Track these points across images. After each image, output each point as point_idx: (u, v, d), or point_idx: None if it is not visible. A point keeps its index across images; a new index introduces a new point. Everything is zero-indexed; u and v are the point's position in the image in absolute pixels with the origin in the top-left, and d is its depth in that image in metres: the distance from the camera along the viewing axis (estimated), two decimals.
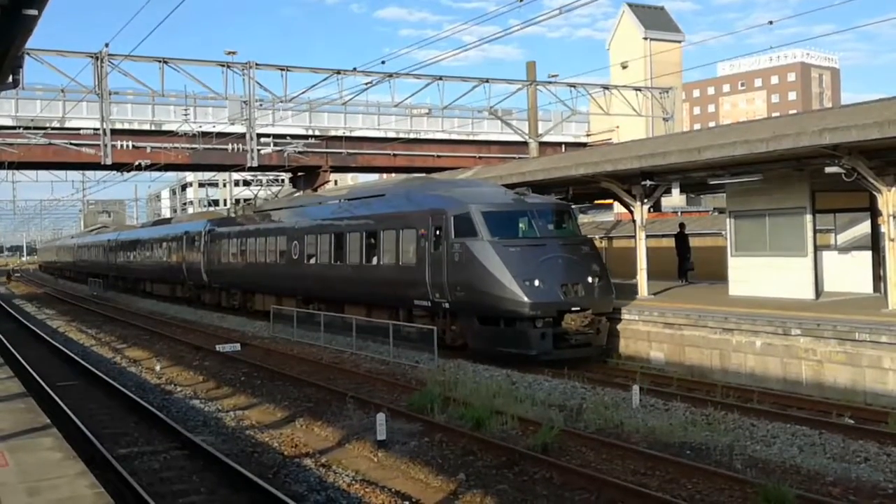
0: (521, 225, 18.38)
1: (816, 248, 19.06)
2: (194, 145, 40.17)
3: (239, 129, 33.89)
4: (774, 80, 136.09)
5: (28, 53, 24.32)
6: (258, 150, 32.99)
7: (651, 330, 18.14)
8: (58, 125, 37.40)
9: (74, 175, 56.57)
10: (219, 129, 37.53)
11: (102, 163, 30.28)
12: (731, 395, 13.84)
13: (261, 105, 33.44)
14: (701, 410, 12.49)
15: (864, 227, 20.50)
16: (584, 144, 46.92)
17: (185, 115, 39.50)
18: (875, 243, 19.04)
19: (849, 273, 19.55)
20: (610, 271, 19.09)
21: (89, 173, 54.85)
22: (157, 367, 18.97)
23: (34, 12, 7.33)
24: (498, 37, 67.13)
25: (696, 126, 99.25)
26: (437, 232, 18.66)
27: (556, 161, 24.94)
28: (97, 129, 30.57)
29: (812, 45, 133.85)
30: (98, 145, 30.30)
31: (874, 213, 18.48)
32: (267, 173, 48.36)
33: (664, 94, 40.51)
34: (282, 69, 31.17)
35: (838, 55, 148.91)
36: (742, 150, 16.84)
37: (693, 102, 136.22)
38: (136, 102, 41.02)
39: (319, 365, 18.64)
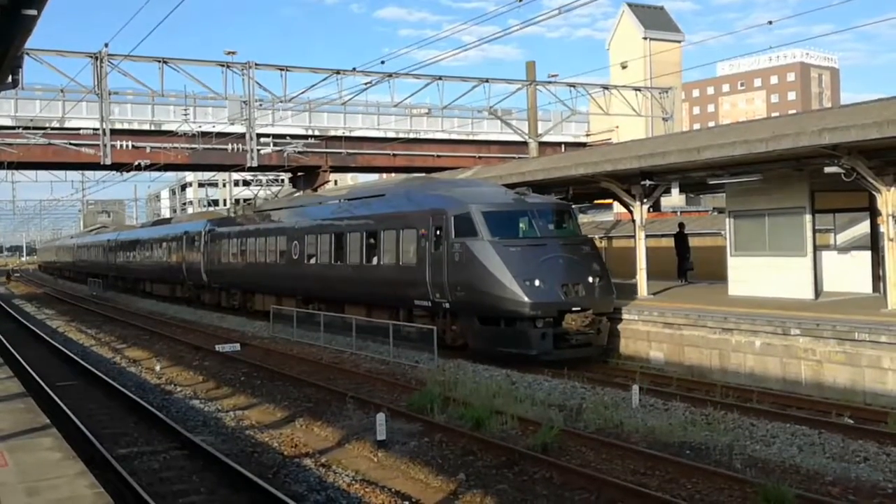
0: (521, 225, 18.36)
1: (816, 248, 19.06)
2: (194, 145, 40.16)
3: (239, 129, 33.89)
4: (774, 80, 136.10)
5: (27, 53, 24.33)
6: (258, 150, 33.00)
7: (650, 330, 18.14)
8: (57, 125, 37.38)
9: (74, 175, 56.59)
10: (218, 129, 37.52)
11: (102, 163, 30.30)
12: (730, 395, 13.84)
13: (260, 105, 33.43)
14: (700, 410, 12.49)
15: (864, 227, 20.51)
16: (583, 144, 46.92)
17: (185, 115, 39.49)
18: (874, 243, 19.05)
19: (848, 273, 19.56)
20: (610, 271, 19.09)
21: (89, 173, 54.83)
22: (157, 367, 18.97)
23: (33, 12, 7.33)
24: (497, 37, 67.15)
25: (696, 126, 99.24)
26: (438, 232, 18.65)
27: (556, 161, 24.95)
28: (97, 129, 30.56)
29: (811, 45, 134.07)
30: (97, 145, 30.30)
31: (873, 213, 18.50)
32: (267, 173, 48.39)
33: (664, 94, 40.52)
34: (281, 69, 31.17)
35: (838, 55, 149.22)
36: (741, 150, 16.85)
37: (693, 102, 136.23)
38: (135, 102, 41.01)
39: (319, 365, 18.63)
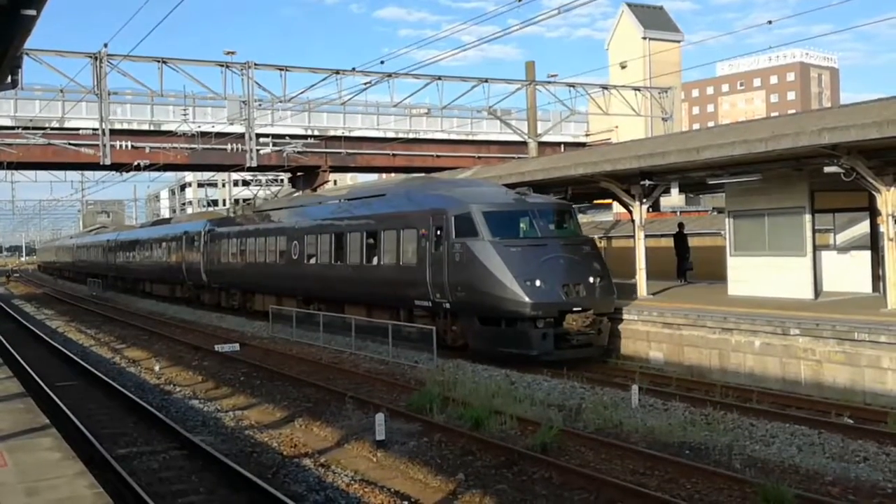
0: (522, 225, 18.33)
1: (815, 248, 19.06)
2: (193, 145, 40.16)
3: (238, 129, 33.90)
4: (773, 79, 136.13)
5: (27, 54, 24.34)
6: (257, 150, 33.00)
7: (650, 330, 18.14)
8: (57, 125, 37.38)
9: (73, 175, 56.58)
10: (218, 129, 37.53)
11: (101, 163, 30.30)
12: (730, 395, 13.84)
13: (260, 105, 33.43)
14: (700, 410, 12.49)
15: (863, 227, 20.50)
16: (583, 144, 46.93)
17: (184, 115, 39.50)
18: (874, 243, 19.06)
19: (848, 273, 19.56)
20: (609, 271, 19.08)
21: (88, 173, 54.81)
22: (157, 368, 18.96)
23: (33, 12, 7.32)
24: (497, 37, 67.12)
25: (696, 126, 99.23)
26: (438, 232, 18.62)
27: (556, 161, 24.95)
28: (96, 130, 30.56)
29: (811, 45, 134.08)
30: (97, 145, 30.29)
31: (873, 213, 18.51)
32: (266, 173, 48.38)
33: (663, 94, 40.53)
34: (281, 69, 31.17)
35: (837, 55, 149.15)
36: (741, 150, 16.85)
37: (692, 102, 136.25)
38: (135, 102, 41.02)
39: (318, 365, 18.63)
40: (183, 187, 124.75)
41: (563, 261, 17.62)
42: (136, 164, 39.02)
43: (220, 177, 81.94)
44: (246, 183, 60.64)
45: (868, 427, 11.66)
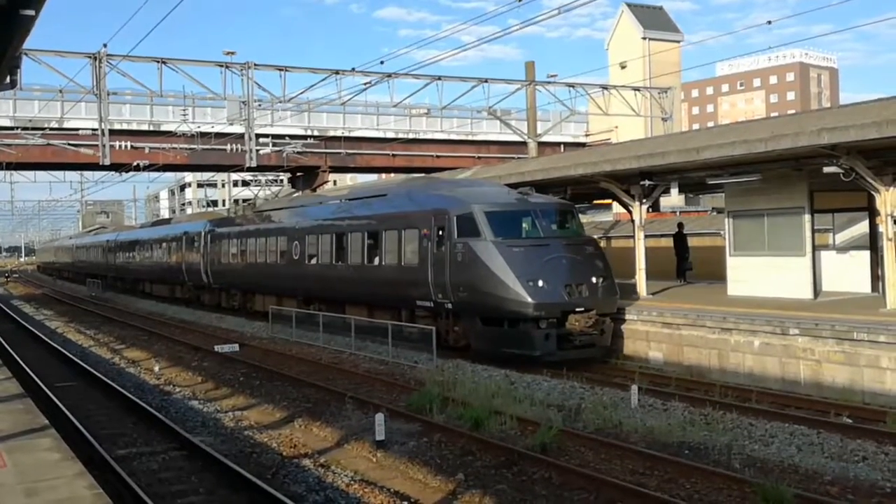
0: (524, 225, 18.29)
1: (815, 248, 19.07)
2: (193, 146, 40.15)
3: (238, 129, 33.90)
4: (773, 79, 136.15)
5: (26, 54, 24.34)
6: (257, 151, 33.00)
7: (650, 330, 18.14)
8: (56, 126, 37.38)
9: (73, 176, 56.60)
10: (217, 129, 37.52)
11: (101, 163, 30.31)
12: (729, 395, 13.84)
13: (259, 105, 33.44)
14: (699, 410, 12.49)
15: (863, 227, 20.51)
16: (582, 144, 46.93)
17: (184, 115, 39.50)
18: (873, 243, 19.06)
19: (847, 273, 19.57)
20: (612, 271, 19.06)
21: (87, 174, 54.84)
22: (156, 368, 18.96)
23: (31, 13, 7.32)
24: (497, 37, 66.98)
25: (695, 126, 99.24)
26: (440, 232, 18.59)
27: (555, 161, 24.95)
28: (95, 130, 30.55)
29: (811, 45, 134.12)
30: (96, 146, 30.29)
31: (872, 213, 18.51)
32: (266, 173, 48.34)
33: (663, 94, 40.54)
34: (280, 69, 31.18)
35: (837, 55, 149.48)
36: (741, 150, 16.85)
37: (692, 102, 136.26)
38: (134, 103, 41.02)
39: (318, 365, 18.63)
40: (182, 188, 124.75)
41: (565, 261, 17.58)
42: (135, 164, 39.02)
43: (219, 177, 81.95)
44: (246, 183, 60.67)
45: (867, 427, 11.68)
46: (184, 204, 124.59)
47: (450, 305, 18.33)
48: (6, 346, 22.15)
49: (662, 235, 28.96)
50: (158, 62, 29.03)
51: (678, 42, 47.55)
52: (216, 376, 17.84)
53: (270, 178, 53.53)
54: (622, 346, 18.68)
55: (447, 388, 14.29)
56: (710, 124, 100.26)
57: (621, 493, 8.94)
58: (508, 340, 17.32)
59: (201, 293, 35.61)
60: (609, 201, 33.48)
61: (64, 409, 13.40)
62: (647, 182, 20.24)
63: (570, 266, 17.55)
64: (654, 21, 48.22)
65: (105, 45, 27.49)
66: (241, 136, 33.14)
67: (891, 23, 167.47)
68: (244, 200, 54.89)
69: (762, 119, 27.89)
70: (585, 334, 17.11)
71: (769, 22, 25.03)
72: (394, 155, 45.60)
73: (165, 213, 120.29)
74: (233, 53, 30.96)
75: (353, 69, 30.99)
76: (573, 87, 37.16)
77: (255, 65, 30.56)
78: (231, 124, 33.25)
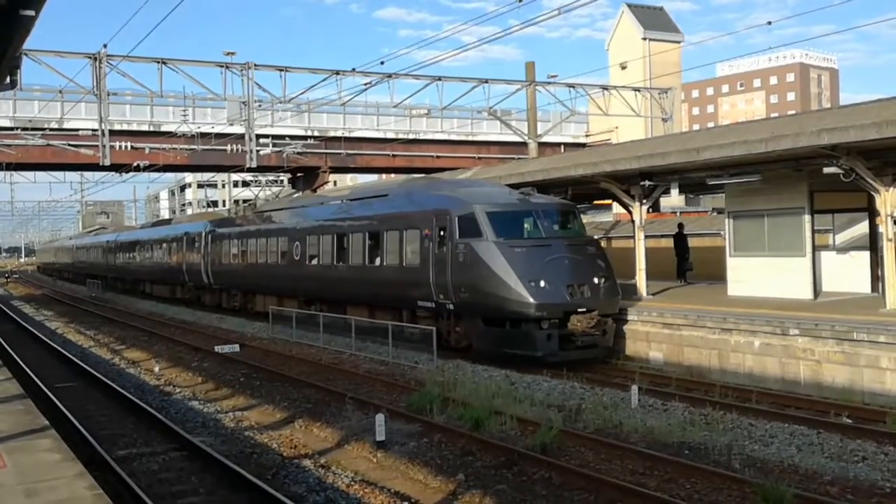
0: (526, 225, 18.28)
1: (815, 249, 19.07)
2: (193, 146, 40.15)
3: (238, 129, 33.90)
4: (773, 80, 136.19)
5: (26, 54, 24.34)
6: (257, 151, 32.99)
7: (650, 330, 18.14)
8: (56, 126, 37.38)
9: (73, 176, 56.58)
10: (217, 129, 37.52)
11: (101, 164, 30.31)
12: (729, 395, 13.84)
13: (260, 106, 33.45)
14: (699, 410, 12.49)
15: (863, 228, 20.52)
16: (583, 145, 46.92)
17: (184, 115, 39.49)
18: (873, 243, 19.07)
19: (847, 273, 19.57)
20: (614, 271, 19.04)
21: (88, 174, 54.82)
22: (156, 369, 18.96)
23: (31, 13, 7.32)
24: (497, 37, 66.66)
25: (695, 126, 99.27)
26: (442, 232, 18.57)
27: (556, 161, 24.95)
28: (95, 130, 30.54)
29: (811, 46, 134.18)
30: (96, 146, 30.28)
31: (872, 214, 18.51)
32: (266, 174, 48.32)
33: (663, 95, 40.54)
34: (281, 70, 31.18)
35: (837, 55, 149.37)
36: (741, 151, 16.85)
37: (692, 103, 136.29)
38: (134, 103, 41.03)
39: (318, 366, 18.63)
40: (183, 188, 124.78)
41: (567, 261, 17.57)
42: (135, 164, 39.03)
43: (219, 177, 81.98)
44: (246, 184, 60.71)
45: (867, 427, 11.68)
46: (184, 204, 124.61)
47: (451, 306, 18.32)
48: (6, 346, 22.16)
49: (663, 236, 28.97)
50: (158, 62, 29.04)
51: (678, 42, 47.54)
52: (216, 377, 17.84)
53: (271, 178, 53.56)
54: (623, 346, 18.69)
55: (447, 389, 14.29)
56: (711, 125, 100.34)
57: (621, 494, 8.94)
58: (510, 341, 17.30)
59: (202, 294, 35.61)
60: (609, 202, 33.49)
61: (64, 409, 13.40)
62: (647, 182, 20.24)
63: (573, 266, 17.53)
64: (655, 21, 48.21)
65: (105, 46, 27.51)
66: (242, 136, 33.13)
67: (891, 23, 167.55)
68: (244, 201, 54.85)
69: (762, 119, 27.90)
70: (587, 335, 17.09)
71: (769, 22, 25.07)
72: (394, 155, 45.60)
73: (166, 214, 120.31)
74: (233, 54, 30.97)
75: (354, 69, 31.01)
76: (573, 87, 37.16)
77: (256, 65, 30.56)
78: (231, 125, 33.26)
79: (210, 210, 77.75)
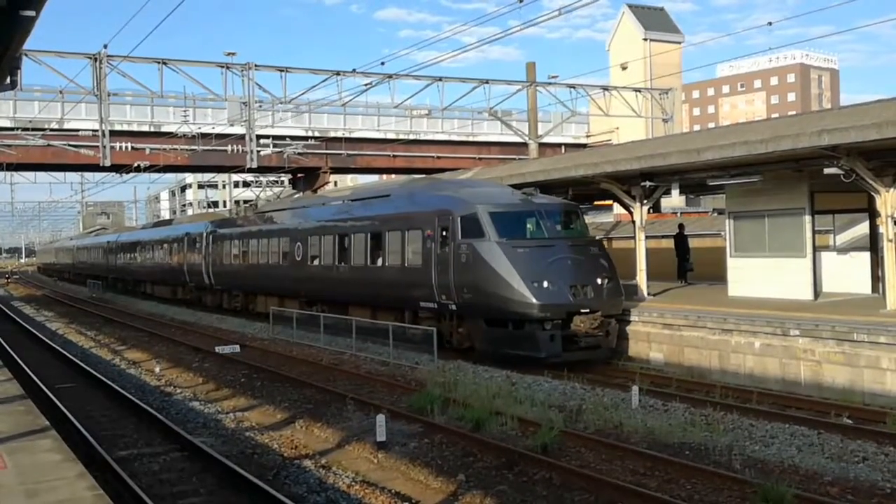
0: (528, 225, 18.26)
1: (815, 249, 19.07)
2: (193, 146, 40.15)
3: (238, 130, 33.90)
4: (774, 81, 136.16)
5: (26, 54, 24.35)
6: (258, 152, 33.01)
7: (650, 331, 18.14)
8: (56, 126, 37.38)
9: (73, 177, 56.61)
10: (218, 130, 37.52)
11: (101, 164, 30.32)
12: (730, 396, 13.84)
13: (260, 106, 33.45)
14: (700, 411, 12.49)
15: (863, 228, 20.53)
16: (583, 145, 46.91)
17: (185, 116, 39.52)
18: (873, 244, 19.07)
19: (847, 274, 19.57)
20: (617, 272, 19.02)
21: (88, 175, 54.85)
22: (157, 369, 18.96)
23: (32, 13, 7.32)
24: (498, 38, 66.55)
25: (696, 127, 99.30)
26: (444, 233, 18.54)
27: (556, 162, 24.95)
28: (96, 131, 30.56)
29: (811, 46, 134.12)
30: (97, 147, 30.30)
31: (873, 214, 18.51)
32: (267, 174, 48.31)
33: (664, 96, 40.55)
34: (281, 70, 31.20)
35: (837, 56, 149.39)
36: (741, 151, 16.85)
37: (693, 103, 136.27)
38: (134, 104, 41.01)
39: (319, 366, 18.63)
40: (183, 189, 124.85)
41: (570, 262, 17.53)
42: (135, 165, 39.02)
43: (220, 178, 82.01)
44: (247, 184, 60.69)
45: (867, 427, 11.68)
46: (184, 205, 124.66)
47: (454, 307, 18.29)
48: (7, 347, 22.16)
49: (663, 236, 28.98)
50: (159, 63, 29.05)
51: (679, 43, 47.51)
52: (217, 377, 17.84)
53: (271, 179, 53.56)
54: (624, 346, 18.68)
55: (448, 389, 14.29)
56: (711, 125, 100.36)
57: (622, 494, 8.94)
58: (513, 342, 17.27)
59: (203, 294, 35.61)
60: (610, 202, 33.47)
61: (65, 410, 13.40)
62: (647, 183, 20.24)
63: (576, 267, 17.50)
64: (655, 22, 48.18)
65: (105, 46, 27.51)
66: (242, 136, 33.14)
67: (892, 24, 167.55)
68: (245, 201, 54.87)
69: (763, 120, 27.92)
70: (591, 336, 17.06)
71: (770, 23, 25.07)
72: (394, 156, 45.59)
73: (166, 214, 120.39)
74: (233, 54, 30.99)
75: (354, 70, 31.05)
76: (574, 88, 37.18)
77: (256, 66, 30.58)
78: (232, 125, 33.27)
79: (211, 211, 77.81)
